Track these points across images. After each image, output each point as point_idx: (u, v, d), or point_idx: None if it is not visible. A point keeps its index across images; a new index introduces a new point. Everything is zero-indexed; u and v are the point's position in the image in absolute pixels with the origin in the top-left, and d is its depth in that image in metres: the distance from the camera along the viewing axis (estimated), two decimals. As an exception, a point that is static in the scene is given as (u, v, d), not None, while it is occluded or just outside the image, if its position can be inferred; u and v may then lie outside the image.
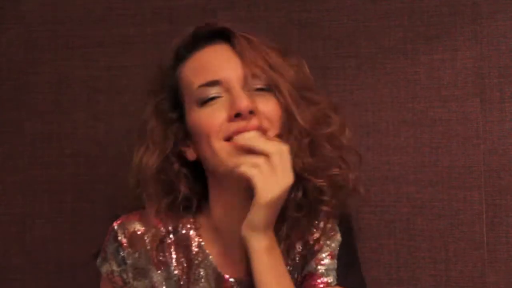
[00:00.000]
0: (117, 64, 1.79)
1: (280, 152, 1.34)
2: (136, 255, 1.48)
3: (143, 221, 1.49)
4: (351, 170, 1.45)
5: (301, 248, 1.45)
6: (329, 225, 1.45)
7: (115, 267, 1.48)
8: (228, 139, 1.39)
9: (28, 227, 1.81)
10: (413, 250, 1.67)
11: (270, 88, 1.41)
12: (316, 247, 1.44)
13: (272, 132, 1.39)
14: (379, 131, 1.69)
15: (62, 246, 1.79)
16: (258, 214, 1.34)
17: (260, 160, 1.33)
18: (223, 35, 1.45)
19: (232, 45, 1.43)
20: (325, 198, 1.41)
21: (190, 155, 1.46)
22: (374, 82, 1.70)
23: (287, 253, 1.43)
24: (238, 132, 1.38)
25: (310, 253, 1.44)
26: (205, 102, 1.41)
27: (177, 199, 1.46)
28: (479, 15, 1.68)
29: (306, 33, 1.72)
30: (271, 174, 1.33)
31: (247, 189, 1.36)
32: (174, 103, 1.47)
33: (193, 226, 1.49)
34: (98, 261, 1.51)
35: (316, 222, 1.45)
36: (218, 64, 1.43)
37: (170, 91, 1.48)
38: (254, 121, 1.38)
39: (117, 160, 1.78)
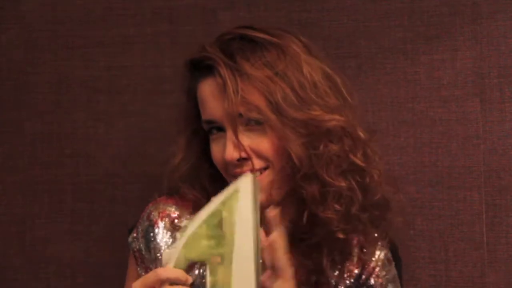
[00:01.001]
0: (117, 64, 1.79)
1: None
2: (167, 236, 1.48)
3: (179, 205, 1.48)
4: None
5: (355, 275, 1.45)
6: (382, 255, 1.45)
7: (143, 246, 1.48)
8: (235, 176, 1.38)
9: (28, 227, 1.81)
10: (413, 250, 1.67)
11: (262, 121, 1.37)
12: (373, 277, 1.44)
13: (272, 169, 1.37)
14: (379, 131, 1.69)
15: (62, 246, 1.79)
16: None
17: None
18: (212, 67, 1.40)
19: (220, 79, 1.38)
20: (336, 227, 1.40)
21: None
22: (374, 82, 1.70)
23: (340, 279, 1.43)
24: (238, 174, 1.36)
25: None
26: (212, 134, 1.42)
27: (206, 197, 1.47)
28: (479, 15, 1.68)
29: (306, 33, 1.71)
30: None
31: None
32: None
33: None
34: (130, 237, 1.50)
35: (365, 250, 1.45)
36: (209, 102, 1.39)
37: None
38: (246, 167, 1.37)
39: (117, 160, 1.79)
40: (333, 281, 1.43)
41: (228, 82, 1.35)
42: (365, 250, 1.44)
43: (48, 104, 1.81)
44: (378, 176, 1.41)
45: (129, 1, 1.79)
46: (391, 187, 1.45)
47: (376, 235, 1.45)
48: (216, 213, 1.27)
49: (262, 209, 1.32)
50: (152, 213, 1.48)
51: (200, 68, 1.40)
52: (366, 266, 1.44)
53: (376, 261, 1.45)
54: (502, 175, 1.66)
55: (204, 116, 1.41)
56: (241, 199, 1.27)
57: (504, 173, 1.66)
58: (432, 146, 1.69)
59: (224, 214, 1.27)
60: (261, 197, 1.35)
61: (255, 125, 1.37)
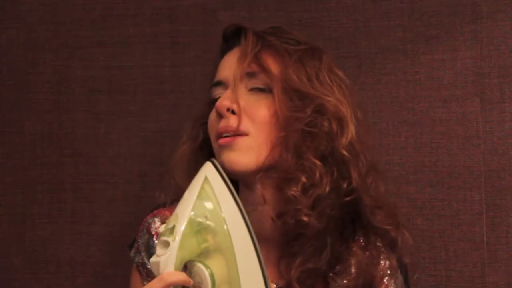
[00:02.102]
0: (117, 64, 1.79)
1: None
2: None
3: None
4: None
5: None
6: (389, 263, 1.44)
7: (146, 260, 1.48)
8: (218, 138, 1.39)
9: (28, 227, 1.81)
10: (413, 250, 1.67)
11: (266, 89, 1.40)
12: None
13: (253, 138, 1.38)
14: (379, 131, 1.69)
15: (62, 246, 1.79)
16: None
17: None
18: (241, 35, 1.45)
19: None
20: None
21: None
22: (374, 82, 1.70)
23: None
24: (219, 132, 1.38)
25: None
26: (212, 102, 1.43)
27: None
28: (479, 15, 1.68)
29: (306, 33, 1.72)
30: None
31: (268, 187, 1.38)
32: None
33: None
34: (132, 252, 1.50)
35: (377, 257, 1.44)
36: (224, 64, 1.44)
37: None
38: (232, 121, 1.37)
39: (117, 160, 1.79)
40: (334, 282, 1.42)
41: (250, 43, 1.40)
42: (364, 259, 1.43)
43: (48, 104, 1.81)
44: (356, 182, 1.39)
45: (129, 1, 1.79)
46: (393, 221, 1.44)
47: (378, 244, 1.43)
48: (197, 207, 1.27)
49: (244, 174, 1.37)
50: (151, 225, 1.47)
51: (229, 39, 1.46)
52: (371, 276, 1.42)
53: (383, 270, 1.43)
54: (502, 175, 1.66)
55: (215, 79, 1.43)
56: (214, 185, 1.28)
57: (504, 173, 1.66)
58: (432, 146, 1.69)
59: (205, 204, 1.27)
60: (237, 157, 1.37)
61: (258, 91, 1.40)
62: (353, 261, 1.41)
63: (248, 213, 1.31)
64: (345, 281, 1.41)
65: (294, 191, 1.36)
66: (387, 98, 1.70)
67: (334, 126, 1.38)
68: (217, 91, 1.42)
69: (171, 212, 1.43)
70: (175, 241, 1.24)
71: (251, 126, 1.38)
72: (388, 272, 1.43)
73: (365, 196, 1.40)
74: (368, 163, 1.42)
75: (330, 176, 1.38)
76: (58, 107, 1.81)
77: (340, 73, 1.45)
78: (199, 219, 1.26)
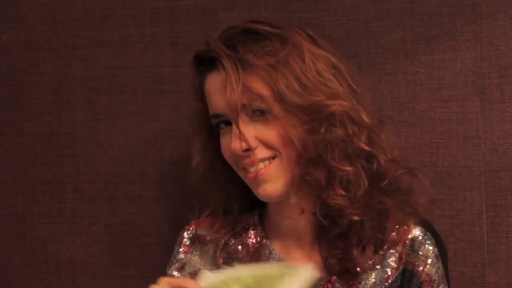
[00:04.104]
0: (117, 64, 1.79)
1: None
2: (198, 259, 1.49)
3: (208, 225, 1.51)
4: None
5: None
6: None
7: (175, 272, 1.49)
8: (244, 169, 1.41)
9: (28, 227, 1.81)
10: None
11: (266, 111, 1.38)
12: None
13: (279, 159, 1.38)
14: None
15: (62, 246, 1.79)
16: None
17: None
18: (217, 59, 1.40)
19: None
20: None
21: None
22: (374, 82, 1.70)
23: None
24: (248, 165, 1.39)
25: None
26: (220, 128, 1.43)
27: (231, 199, 1.48)
28: (479, 15, 1.68)
29: (306, 33, 1.72)
30: None
31: (305, 197, 1.41)
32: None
33: (255, 225, 1.49)
34: (171, 271, 1.51)
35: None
36: (214, 96, 1.40)
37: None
38: (256, 156, 1.38)
39: (117, 160, 1.79)
40: (369, 271, 1.43)
41: (230, 72, 1.36)
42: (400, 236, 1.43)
43: (48, 104, 1.81)
44: (385, 160, 1.41)
45: (129, 1, 1.79)
46: (406, 169, 1.45)
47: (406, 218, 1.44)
48: (265, 274, 1.28)
49: (280, 202, 1.39)
50: (184, 238, 1.51)
51: (204, 62, 1.41)
52: (411, 261, 1.43)
53: (424, 257, 1.43)
54: (502, 175, 1.66)
55: (211, 110, 1.42)
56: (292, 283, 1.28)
57: (504, 173, 1.66)
58: (432, 146, 1.69)
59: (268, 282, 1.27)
60: (272, 187, 1.39)
61: (260, 115, 1.38)
62: (388, 243, 1.42)
63: (280, 221, 1.40)
64: (391, 265, 1.42)
65: (336, 199, 1.37)
66: (387, 98, 1.70)
67: (350, 130, 1.38)
68: (220, 120, 1.41)
69: (205, 225, 1.49)
70: (226, 271, 1.29)
71: (271, 151, 1.38)
72: (430, 261, 1.43)
73: (381, 155, 1.41)
74: (377, 127, 1.43)
75: (364, 172, 1.39)
76: (58, 107, 1.81)
77: (322, 51, 1.42)
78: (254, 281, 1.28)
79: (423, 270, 1.42)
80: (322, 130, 1.36)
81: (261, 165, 1.38)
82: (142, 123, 1.78)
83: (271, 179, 1.38)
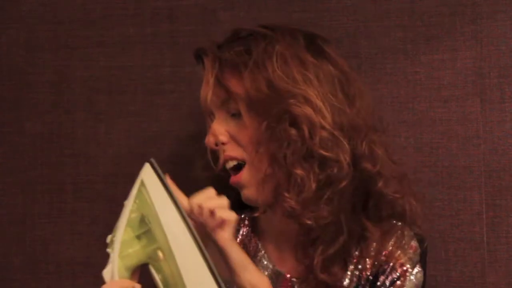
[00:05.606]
0: (117, 64, 1.79)
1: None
2: None
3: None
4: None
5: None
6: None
7: None
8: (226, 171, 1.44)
9: (28, 227, 1.81)
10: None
11: (237, 114, 1.42)
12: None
13: (248, 166, 1.41)
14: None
15: (62, 246, 1.79)
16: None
17: None
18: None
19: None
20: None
21: None
22: (374, 82, 1.70)
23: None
24: (224, 160, 1.43)
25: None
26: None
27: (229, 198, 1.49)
28: (479, 15, 1.68)
29: (306, 33, 1.72)
30: None
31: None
32: None
33: (248, 225, 1.51)
34: None
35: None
36: (201, 90, 1.45)
37: None
38: (227, 152, 1.42)
39: (117, 160, 1.79)
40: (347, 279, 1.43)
41: (208, 68, 1.42)
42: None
43: (48, 104, 1.81)
44: (347, 165, 1.38)
45: (129, 1, 1.79)
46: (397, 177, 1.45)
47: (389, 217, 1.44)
48: (134, 212, 1.27)
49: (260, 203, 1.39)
50: None
51: (199, 59, 1.47)
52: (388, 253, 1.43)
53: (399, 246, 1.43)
54: (502, 175, 1.66)
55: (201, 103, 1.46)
56: (150, 188, 1.28)
57: (504, 173, 1.66)
58: (432, 146, 1.69)
59: (143, 209, 1.27)
60: (248, 192, 1.41)
61: (236, 116, 1.42)
62: (369, 240, 1.41)
63: (267, 222, 1.39)
64: (367, 262, 1.42)
65: (288, 201, 1.38)
66: (387, 98, 1.70)
67: (306, 132, 1.37)
68: (205, 113, 1.47)
69: None
70: (114, 251, 1.26)
71: (241, 151, 1.41)
72: (406, 252, 1.43)
73: (365, 164, 1.41)
74: (368, 136, 1.42)
75: (314, 176, 1.37)
76: (58, 107, 1.81)
77: (312, 59, 1.42)
78: (137, 224, 1.26)
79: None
80: (278, 128, 1.37)
81: (230, 163, 1.42)
82: (142, 123, 1.78)
83: (245, 185, 1.42)
